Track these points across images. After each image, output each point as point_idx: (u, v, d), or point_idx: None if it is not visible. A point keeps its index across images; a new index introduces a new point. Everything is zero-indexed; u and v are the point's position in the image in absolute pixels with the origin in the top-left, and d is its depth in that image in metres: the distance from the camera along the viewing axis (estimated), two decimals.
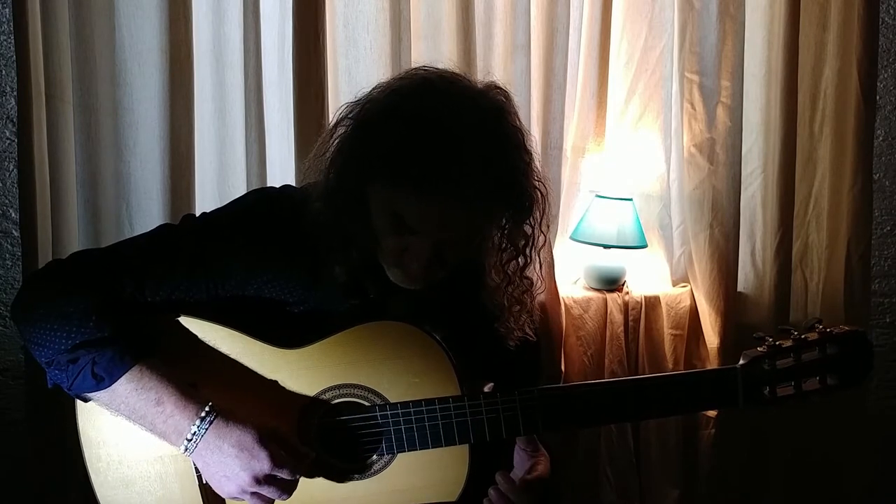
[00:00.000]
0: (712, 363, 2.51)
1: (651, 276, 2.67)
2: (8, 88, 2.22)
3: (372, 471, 1.41)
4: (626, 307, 2.54)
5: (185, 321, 1.39)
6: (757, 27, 2.53)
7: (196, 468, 1.39)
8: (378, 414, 1.38)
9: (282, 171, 2.33)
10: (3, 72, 2.23)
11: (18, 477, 2.19)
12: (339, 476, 1.40)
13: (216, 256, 1.38)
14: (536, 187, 1.34)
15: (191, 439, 1.33)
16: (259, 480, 1.33)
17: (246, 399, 1.37)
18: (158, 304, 1.37)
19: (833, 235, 2.64)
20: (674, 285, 2.63)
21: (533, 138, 1.37)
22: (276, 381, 1.39)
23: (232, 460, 1.32)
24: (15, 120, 2.16)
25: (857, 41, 2.53)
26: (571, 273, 2.63)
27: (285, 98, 2.30)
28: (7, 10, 2.17)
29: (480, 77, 1.37)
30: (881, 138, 2.72)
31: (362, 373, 1.38)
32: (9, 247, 2.27)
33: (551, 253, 2.39)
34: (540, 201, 1.36)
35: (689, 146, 2.51)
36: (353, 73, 2.32)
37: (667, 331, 2.55)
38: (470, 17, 2.33)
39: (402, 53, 2.30)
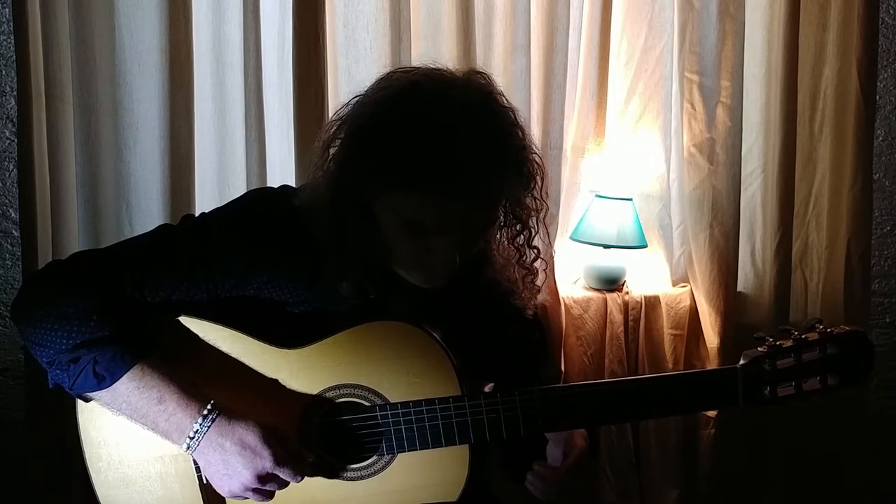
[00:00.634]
0: (712, 363, 2.51)
1: (651, 276, 2.67)
2: (8, 88, 2.23)
3: (372, 471, 1.41)
4: (626, 307, 2.54)
5: (186, 321, 1.39)
6: (757, 27, 2.53)
7: (196, 468, 1.39)
8: (378, 414, 1.38)
9: (282, 171, 2.33)
10: (3, 72, 2.23)
11: (18, 477, 2.19)
12: (339, 476, 1.40)
13: (216, 256, 1.37)
14: (534, 159, 1.35)
15: (193, 437, 1.32)
16: (261, 478, 1.33)
17: (246, 398, 1.37)
18: (158, 305, 1.37)
19: (833, 235, 2.64)
20: (674, 285, 2.63)
21: (531, 135, 1.38)
22: (276, 381, 1.39)
23: (234, 458, 1.32)
24: (15, 120, 2.16)
25: (857, 41, 2.53)
26: (571, 273, 2.63)
27: (285, 98, 2.30)
28: (7, 10, 2.17)
29: None
30: (881, 138, 2.72)
31: (362, 373, 1.38)
32: (9, 247, 2.28)
33: (551, 244, 2.38)
34: (538, 172, 1.37)
35: (689, 146, 2.51)
36: (353, 73, 2.32)
37: (667, 331, 2.55)
38: (470, 17, 2.33)
39: (402, 53, 2.30)
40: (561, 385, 1.38)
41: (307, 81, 2.22)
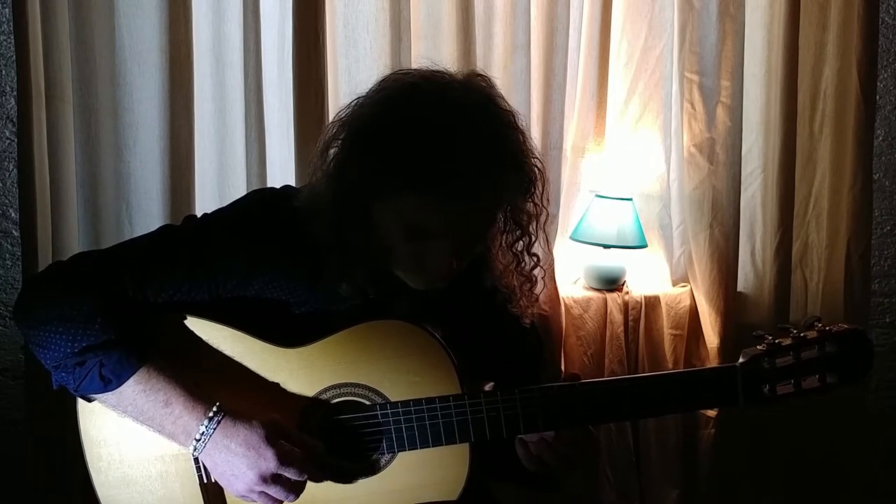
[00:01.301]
0: (712, 363, 2.51)
1: (651, 276, 2.67)
2: (8, 88, 2.23)
3: (372, 470, 1.41)
4: (625, 307, 2.54)
5: (188, 321, 1.39)
6: (757, 27, 2.53)
7: (197, 468, 1.39)
8: (379, 413, 1.38)
9: (282, 171, 2.33)
10: (3, 72, 2.23)
11: (18, 477, 2.19)
12: (340, 475, 1.40)
13: (217, 256, 1.37)
14: (534, 164, 1.35)
15: (199, 439, 1.32)
16: (266, 479, 1.33)
17: (248, 398, 1.37)
18: (160, 305, 1.37)
19: (833, 235, 2.64)
20: (674, 285, 2.64)
21: (532, 137, 1.38)
22: (277, 381, 1.39)
23: (239, 459, 1.32)
24: (15, 120, 2.16)
25: (857, 41, 2.53)
26: (571, 273, 2.63)
27: (285, 98, 2.30)
28: (7, 10, 2.17)
29: None
30: (881, 138, 2.73)
31: (363, 372, 1.38)
32: (9, 247, 2.28)
33: (551, 253, 2.39)
34: (539, 177, 1.36)
35: (689, 146, 2.51)
36: (353, 73, 2.32)
37: (667, 331, 2.55)
38: (470, 17, 2.34)
39: (402, 53, 2.30)
40: (561, 383, 1.38)
41: (307, 81, 2.23)
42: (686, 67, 2.48)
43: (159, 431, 1.34)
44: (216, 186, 2.32)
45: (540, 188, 1.37)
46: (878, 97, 2.64)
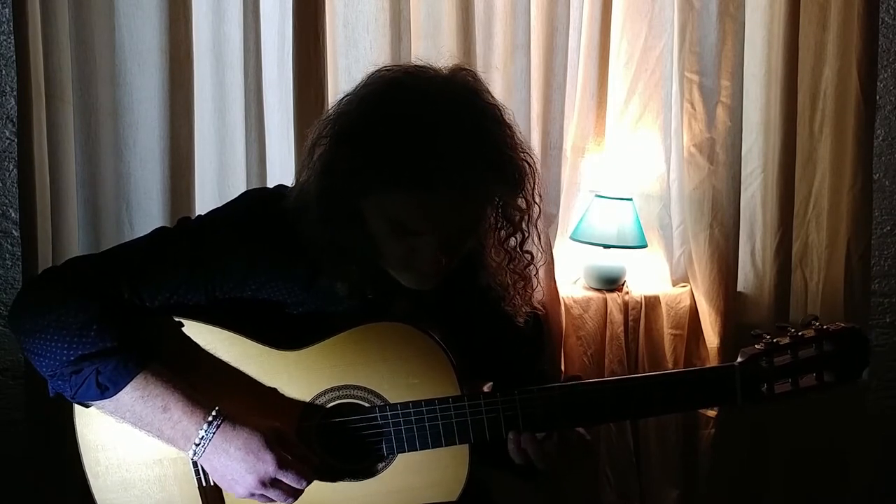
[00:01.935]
0: (712, 363, 2.50)
1: (651, 276, 2.67)
2: (8, 88, 2.23)
3: (372, 471, 1.41)
4: (625, 307, 2.54)
5: (184, 325, 1.38)
6: (757, 27, 2.53)
7: (196, 471, 1.39)
8: (378, 415, 1.38)
9: (282, 171, 2.32)
10: (3, 72, 2.23)
11: (18, 477, 2.19)
12: (340, 477, 1.40)
13: (213, 257, 1.37)
14: (524, 159, 1.33)
15: (199, 443, 1.32)
16: (265, 483, 1.33)
17: (246, 401, 1.37)
18: (157, 308, 1.37)
19: (833, 235, 2.64)
20: (674, 285, 2.63)
21: (532, 137, 1.37)
22: (275, 384, 1.38)
23: (238, 463, 1.32)
24: (15, 120, 2.16)
25: (857, 41, 2.53)
26: (571, 273, 2.63)
27: (285, 98, 2.30)
28: (7, 10, 2.17)
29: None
30: (881, 138, 2.72)
31: (362, 374, 1.38)
32: (9, 247, 2.27)
33: (551, 253, 2.39)
34: (529, 173, 1.34)
35: (688, 146, 2.51)
36: (353, 73, 2.32)
37: (667, 331, 2.55)
38: (470, 17, 2.33)
39: (402, 53, 2.30)
40: (560, 384, 1.38)
41: (307, 81, 2.22)
42: (686, 67, 2.48)
43: (158, 436, 1.34)
44: (216, 186, 2.32)
45: (531, 184, 1.35)
46: (878, 97, 2.64)
